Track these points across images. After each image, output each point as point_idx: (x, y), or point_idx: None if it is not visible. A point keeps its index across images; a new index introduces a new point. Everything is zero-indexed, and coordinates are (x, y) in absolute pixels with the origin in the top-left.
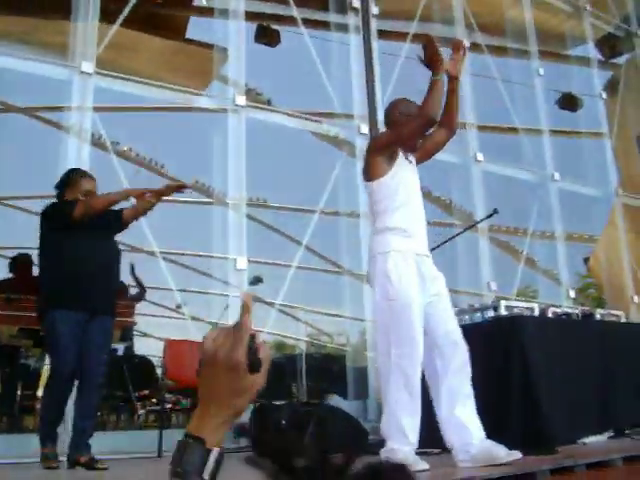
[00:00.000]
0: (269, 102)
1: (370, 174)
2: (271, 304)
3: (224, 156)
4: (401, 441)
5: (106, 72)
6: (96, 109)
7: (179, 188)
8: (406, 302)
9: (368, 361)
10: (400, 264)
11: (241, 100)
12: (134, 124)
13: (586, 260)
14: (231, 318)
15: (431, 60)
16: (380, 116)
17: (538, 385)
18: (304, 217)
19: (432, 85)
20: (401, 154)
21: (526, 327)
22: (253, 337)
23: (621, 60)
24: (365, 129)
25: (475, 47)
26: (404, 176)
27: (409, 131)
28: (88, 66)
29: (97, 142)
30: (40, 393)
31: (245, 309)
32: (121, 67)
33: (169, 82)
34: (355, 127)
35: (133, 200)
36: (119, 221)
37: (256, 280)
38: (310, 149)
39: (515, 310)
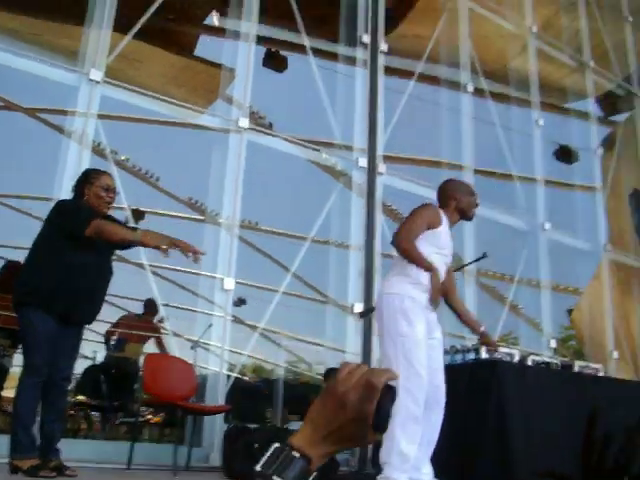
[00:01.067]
0: (271, 126)
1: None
2: (254, 327)
3: (221, 176)
4: (399, 468)
5: (114, 81)
6: (100, 116)
7: (195, 252)
8: (417, 339)
9: None
10: (415, 307)
11: (244, 122)
12: (135, 135)
13: (570, 312)
14: (213, 338)
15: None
16: (380, 151)
17: (513, 431)
18: (295, 244)
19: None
20: (445, 221)
21: (505, 373)
22: (386, 393)
23: (620, 118)
24: (363, 162)
25: (478, 92)
26: (439, 240)
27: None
28: (97, 74)
29: (96, 149)
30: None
31: (390, 373)
32: (128, 77)
33: (174, 97)
34: (354, 159)
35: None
36: (126, 246)
37: (240, 302)
38: (307, 177)
39: (496, 355)
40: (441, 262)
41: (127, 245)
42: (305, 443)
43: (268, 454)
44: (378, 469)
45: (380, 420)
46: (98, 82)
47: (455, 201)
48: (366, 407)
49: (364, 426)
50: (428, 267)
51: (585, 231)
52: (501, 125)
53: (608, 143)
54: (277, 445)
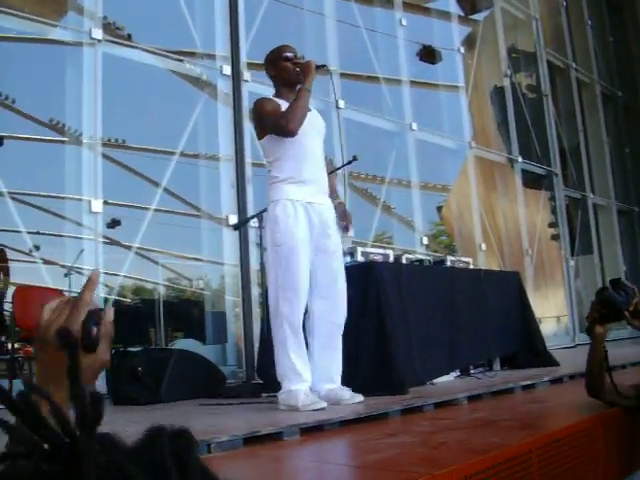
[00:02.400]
0: (129, 37)
1: (259, 134)
2: (128, 247)
3: (78, 93)
4: (296, 380)
5: None
6: None
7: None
8: (292, 245)
9: (227, 305)
10: (289, 211)
11: (97, 33)
12: None
13: (439, 208)
14: (86, 263)
15: (305, 73)
16: (244, 58)
17: (391, 329)
18: (163, 158)
19: (299, 93)
20: (284, 103)
21: (381, 273)
22: (91, 313)
23: (479, 17)
24: (228, 70)
25: None
26: (303, 127)
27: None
28: None
29: None
30: None
31: (88, 285)
32: None
33: (20, 10)
34: (217, 68)
35: None
36: None
37: (114, 223)
38: (170, 88)
39: (371, 256)
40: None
41: None
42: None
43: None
44: (266, 378)
45: (88, 338)
46: None
47: (272, 77)
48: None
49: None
50: (303, 97)
51: (450, 129)
52: (365, 27)
53: (469, 42)
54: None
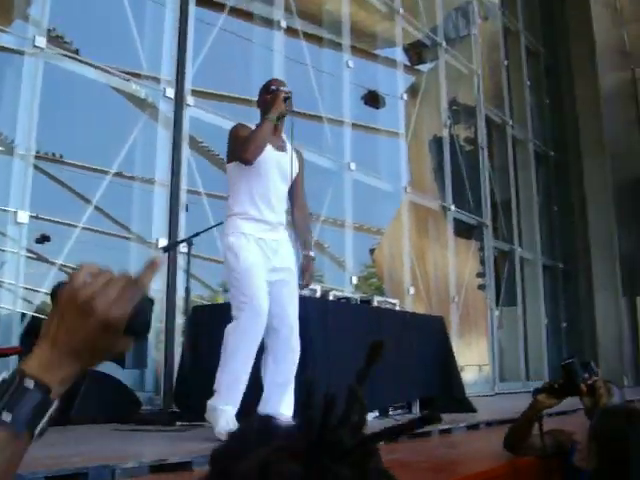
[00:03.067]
0: (77, 52)
1: (228, 158)
2: (53, 263)
3: (15, 101)
4: (226, 398)
5: None
6: None
7: None
8: (244, 269)
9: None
10: (241, 242)
11: (41, 42)
12: None
13: (372, 251)
14: (7, 276)
15: (271, 103)
16: (188, 82)
17: (312, 362)
18: (98, 177)
19: (261, 122)
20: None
21: (308, 308)
22: (148, 300)
23: (424, 67)
24: (171, 93)
25: (291, 31)
26: (264, 164)
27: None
28: None
29: None
30: None
31: (151, 267)
32: None
33: None
34: (161, 89)
35: None
36: None
37: (43, 238)
38: (111, 107)
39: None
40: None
41: None
42: (41, 368)
43: None
44: (183, 407)
45: (139, 324)
46: None
47: (258, 107)
48: (118, 308)
49: (115, 332)
50: (263, 125)
51: (388, 173)
52: (312, 65)
53: (412, 91)
54: (4, 376)
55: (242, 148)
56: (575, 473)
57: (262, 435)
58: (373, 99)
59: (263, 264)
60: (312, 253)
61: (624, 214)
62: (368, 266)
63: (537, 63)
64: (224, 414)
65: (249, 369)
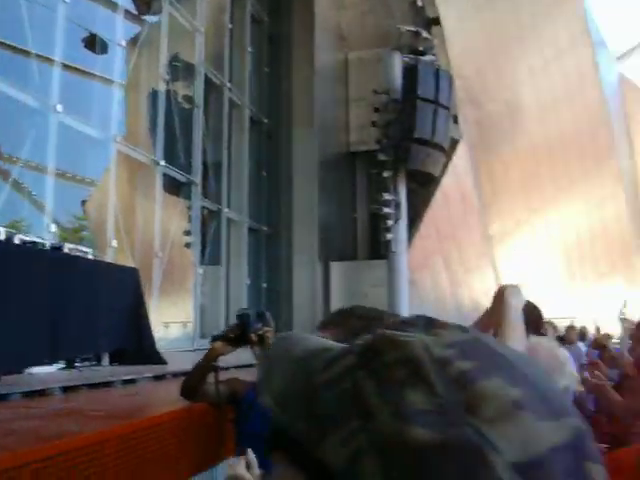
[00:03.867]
0: None
1: None
2: None
3: None
4: None
5: None
6: None
7: None
8: None
9: None
10: None
11: None
12: None
13: (84, 202)
14: None
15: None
16: None
17: None
18: None
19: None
20: None
21: None
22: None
23: (151, 19)
24: None
25: None
26: None
27: None
28: None
29: None
30: None
31: None
32: None
33: None
34: None
35: None
36: None
37: None
38: None
39: None
40: None
41: None
42: None
43: None
44: None
45: None
46: None
47: None
48: None
49: None
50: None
51: (99, 121)
52: None
53: (134, 41)
54: None
55: None
56: (245, 417)
57: None
58: (93, 43)
59: None
60: None
61: (326, 185)
62: (79, 218)
63: (261, 31)
64: None
65: None
